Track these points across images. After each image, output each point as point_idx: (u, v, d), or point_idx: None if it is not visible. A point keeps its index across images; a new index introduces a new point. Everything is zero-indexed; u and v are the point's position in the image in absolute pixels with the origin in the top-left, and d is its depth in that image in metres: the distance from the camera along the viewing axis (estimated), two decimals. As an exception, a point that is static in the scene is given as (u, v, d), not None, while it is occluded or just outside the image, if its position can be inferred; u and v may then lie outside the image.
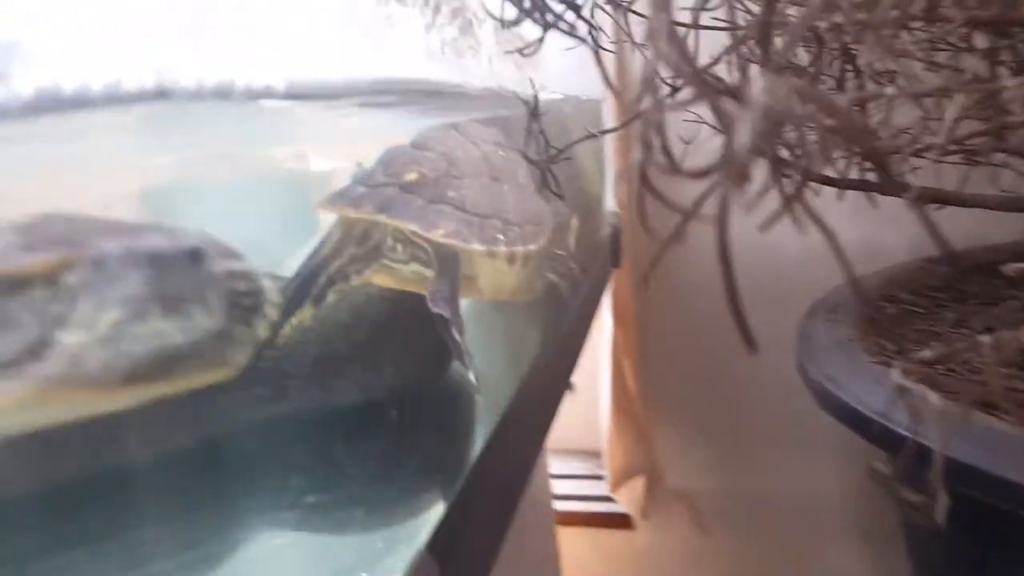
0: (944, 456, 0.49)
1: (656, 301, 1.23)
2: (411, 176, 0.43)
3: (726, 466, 1.27)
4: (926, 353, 0.47)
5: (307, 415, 0.40)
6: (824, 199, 1.07)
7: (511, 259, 0.48)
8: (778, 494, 1.21)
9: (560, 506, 1.37)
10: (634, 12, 0.52)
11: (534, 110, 0.48)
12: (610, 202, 1.14)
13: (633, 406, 1.24)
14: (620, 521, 1.34)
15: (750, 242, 0.97)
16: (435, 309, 0.40)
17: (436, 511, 0.29)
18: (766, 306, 1.14)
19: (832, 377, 0.60)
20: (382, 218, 0.41)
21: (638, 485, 1.28)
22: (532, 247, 0.50)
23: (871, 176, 0.67)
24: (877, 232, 1.05)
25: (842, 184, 0.66)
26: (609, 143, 1.11)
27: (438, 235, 0.42)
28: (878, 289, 0.82)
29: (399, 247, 0.44)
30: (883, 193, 0.65)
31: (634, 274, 1.22)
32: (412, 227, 0.41)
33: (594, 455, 1.44)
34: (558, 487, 1.41)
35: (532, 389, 0.44)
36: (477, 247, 0.44)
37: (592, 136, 0.53)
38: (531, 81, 0.49)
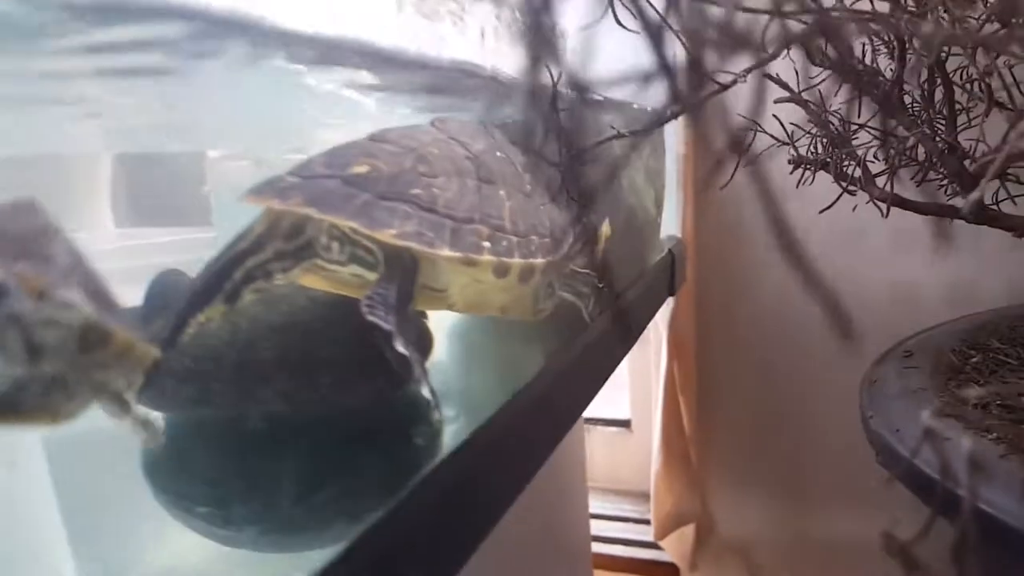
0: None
1: (718, 336, 1.14)
2: (359, 169, 0.37)
3: (783, 518, 1.16)
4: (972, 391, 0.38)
5: (224, 421, 0.35)
6: (917, 235, 0.99)
7: (500, 271, 0.42)
8: (837, 551, 1.09)
9: (602, 549, 1.29)
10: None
11: (552, 102, 0.42)
12: (672, 227, 1.07)
13: (686, 448, 1.15)
14: (667, 571, 1.24)
15: (833, 276, 0.88)
16: (370, 317, 0.33)
17: (339, 544, 0.23)
18: (839, 345, 1.05)
19: (895, 429, 0.52)
20: (311, 212, 0.35)
21: (687, 534, 1.18)
22: (533, 260, 0.44)
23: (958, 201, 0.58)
24: (974, 274, 0.94)
25: (923, 209, 0.57)
26: (672, 164, 1.04)
27: (387, 235, 0.35)
28: (966, 335, 0.71)
29: (335, 246, 0.38)
30: (971, 221, 0.56)
31: (698, 306, 1.14)
32: (351, 224, 0.35)
33: (646, 497, 1.35)
34: (603, 529, 1.32)
35: (519, 415, 0.38)
36: (446, 252, 0.37)
37: (621, 136, 0.46)
38: (548, 70, 0.44)
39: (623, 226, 0.69)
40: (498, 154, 0.44)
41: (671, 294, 0.92)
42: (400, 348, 0.32)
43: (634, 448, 1.38)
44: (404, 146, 0.39)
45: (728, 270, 1.11)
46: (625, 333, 0.66)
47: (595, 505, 1.39)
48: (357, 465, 0.32)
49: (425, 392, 0.33)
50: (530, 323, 0.55)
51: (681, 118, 1.00)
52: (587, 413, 1.46)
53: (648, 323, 0.80)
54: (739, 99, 0.66)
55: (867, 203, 0.59)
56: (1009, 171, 0.57)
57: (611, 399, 1.45)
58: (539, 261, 0.45)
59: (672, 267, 0.90)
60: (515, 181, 0.45)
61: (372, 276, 0.38)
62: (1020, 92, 0.52)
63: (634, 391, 1.39)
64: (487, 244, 0.40)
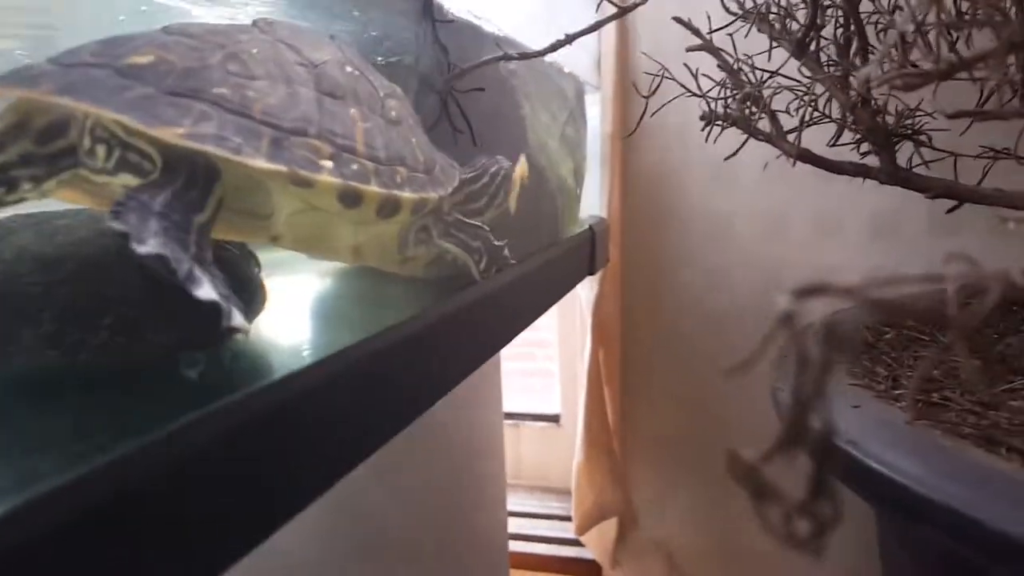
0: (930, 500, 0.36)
1: (644, 324, 1.11)
2: (139, 58, 0.30)
3: (709, 515, 1.13)
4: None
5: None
6: (843, 223, 0.98)
7: (349, 198, 0.36)
8: (762, 549, 1.07)
9: (525, 548, 1.24)
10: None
11: (426, 5, 0.38)
12: (597, 208, 1.03)
13: (609, 439, 1.12)
14: (588, 568, 1.20)
15: (757, 255, 0.85)
16: (117, 225, 0.25)
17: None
18: (762, 329, 1.02)
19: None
20: (64, 100, 0.27)
21: (609, 529, 1.15)
22: (398, 192, 0.39)
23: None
24: (895, 260, 0.93)
25: (836, 167, 0.54)
26: (596, 144, 1.01)
27: (170, 134, 0.28)
28: (882, 314, 0.69)
29: (101, 151, 0.31)
30: (884, 181, 0.53)
31: (623, 293, 1.10)
32: (119, 118, 0.28)
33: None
34: (529, 527, 1.28)
35: (339, 378, 0.32)
36: (261, 164, 0.31)
37: (509, 58, 0.42)
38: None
39: (531, 187, 0.65)
40: (348, 69, 0.39)
41: (591, 273, 0.88)
42: (181, 268, 0.25)
43: (563, 444, 1.34)
44: (210, 42, 0.33)
45: (655, 255, 1.08)
46: (535, 306, 0.62)
47: (523, 503, 1.34)
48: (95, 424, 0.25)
49: (202, 292, 0.26)
50: (404, 279, 0.50)
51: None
52: (515, 408, 1.42)
53: (557, 299, 0.76)
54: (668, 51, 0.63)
55: (782, 157, 0.56)
56: (922, 133, 0.55)
57: (541, 393, 1.41)
58: (407, 195, 0.40)
59: (592, 244, 0.86)
60: (373, 103, 0.40)
61: None
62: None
63: (564, 384, 1.35)
64: (327, 163, 0.35)
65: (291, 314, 0.49)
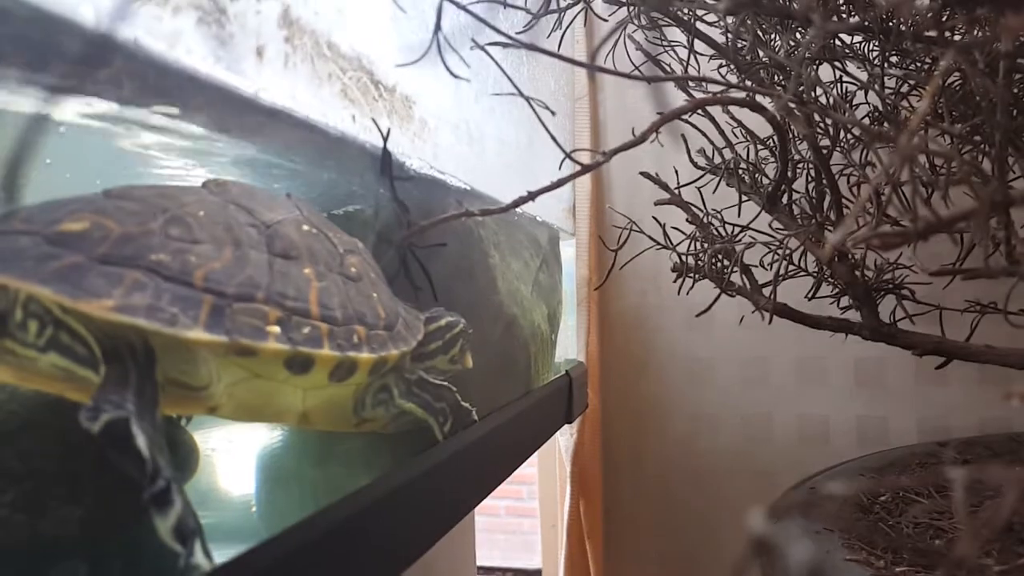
0: None
1: (625, 474, 1.06)
2: (72, 225, 0.28)
3: None
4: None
5: None
6: (827, 369, 0.95)
7: (298, 364, 0.34)
8: None
9: None
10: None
11: (384, 162, 0.36)
12: (573, 352, 1.01)
13: (592, 600, 1.03)
14: None
15: (740, 401, 0.81)
16: (89, 425, 0.25)
17: None
18: (750, 483, 0.97)
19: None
20: None
21: None
22: (354, 354, 0.36)
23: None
24: (882, 409, 0.90)
25: (816, 322, 0.52)
26: (571, 287, 1.00)
27: (98, 307, 0.26)
28: (874, 473, 0.65)
29: (32, 325, 0.28)
30: (867, 337, 0.51)
31: (604, 441, 1.06)
32: (40, 291, 0.26)
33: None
34: None
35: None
36: (198, 335, 0.28)
37: (470, 214, 0.40)
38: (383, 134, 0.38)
39: (503, 336, 0.62)
40: (305, 228, 0.37)
41: (568, 420, 0.84)
42: (151, 461, 0.24)
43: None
44: (153, 204, 0.31)
45: (635, 401, 1.04)
46: (507, 461, 0.58)
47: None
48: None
49: (168, 523, 0.24)
50: (365, 439, 0.47)
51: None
52: (494, 563, 1.33)
53: (534, 450, 0.72)
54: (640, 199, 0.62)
55: (765, 321, 0.54)
56: (905, 286, 0.53)
57: (522, 547, 1.33)
58: (364, 356, 0.37)
59: (570, 390, 0.83)
60: (331, 260, 0.37)
61: (82, 371, 0.29)
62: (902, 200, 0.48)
63: (545, 535, 1.27)
64: (275, 329, 0.32)
65: (232, 476, 0.45)
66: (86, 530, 0.30)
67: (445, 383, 0.45)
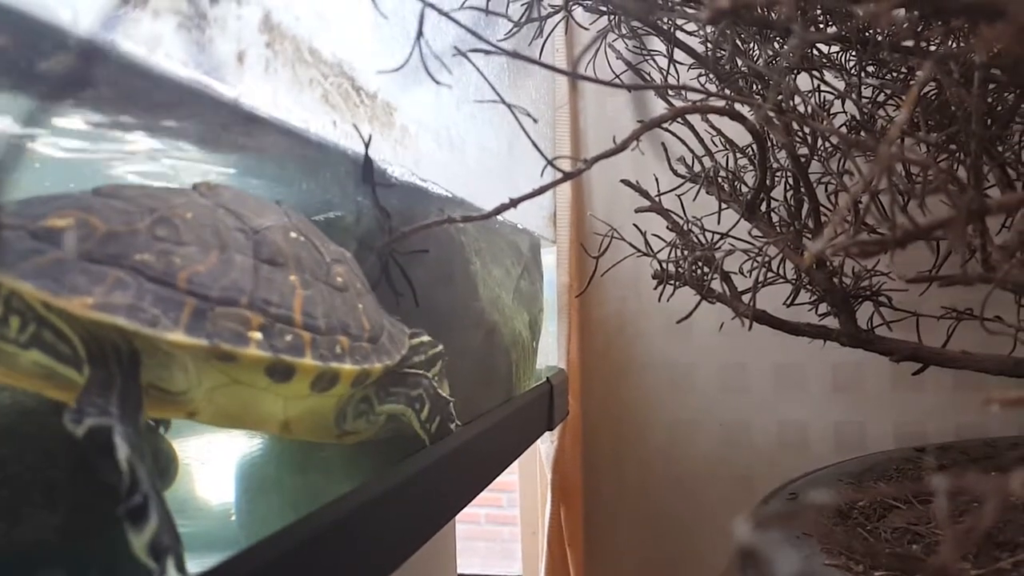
0: None
1: (606, 481, 1.06)
2: (58, 221, 0.28)
3: None
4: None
5: None
6: (805, 374, 0.96)
7: (279, 372, 0.34)
8: None
9: None
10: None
11: (366, 169, 0.36)
12: (555, 359, 1.01)
13: (573, 609, 1.03)
14: None
15: (719, 407, 0.81)
16: (72, 428, 0.25)
17: None
18: (730, 489, 0.98)
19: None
20: None
21: None
22: (336, 365, 0.36)
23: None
24: (860, 415, 0.90)
25: (794, 328, 0.53)
26: (552, 294, 1.00)
27: (77, 305, 0.26)
28: (853, 478, 0.66)
29: (15, 321, 0.28)
30: (845, 343, 0.51)
31: (584, 448, 1.06)
32: (20, 286, 0.26)
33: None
34: None
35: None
36: (178, 337, 0.28)
37: (451, 221, 0.40)
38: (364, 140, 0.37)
39: (484, 343, 0.62)
40: (293, 235, 0.36)
41: (549, 428, 0.84)
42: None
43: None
44: (141, 204, 0.31)
45: (616, 407, 1.04)
46: (490, 466, 0.57)
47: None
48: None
49: (142, 539, 0.24)
50: (345, 447, 0.46)
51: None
52: (474, 570, 1.32)
53: (515, 457, 0.72)
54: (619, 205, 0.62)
55: (746, 328, 0.54)
56: (882, 293, 0.54)
57: (502, 554, 1.32)
58: (347, 367, 0.37)
59: (551, 398, 0.83)
60: (317, 269, 0.37)
61: (63, 369, 0.29)
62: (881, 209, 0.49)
63: (526, 542, 1.27)
64: (257, 336, 0.32)
65: (210, 484, 0.44)
66: (62, 537, 0.29)
67: (419, 371, 0.44)
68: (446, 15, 0.35)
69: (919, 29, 0.34)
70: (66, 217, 0.28)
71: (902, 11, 0.31)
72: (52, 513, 0.29)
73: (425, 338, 0.46)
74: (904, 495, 0.59)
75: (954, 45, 0.39)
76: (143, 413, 0.28)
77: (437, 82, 0.34)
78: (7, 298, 0.28)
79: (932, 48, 0.41)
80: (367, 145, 0.38)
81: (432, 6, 0.33)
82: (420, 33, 0.32)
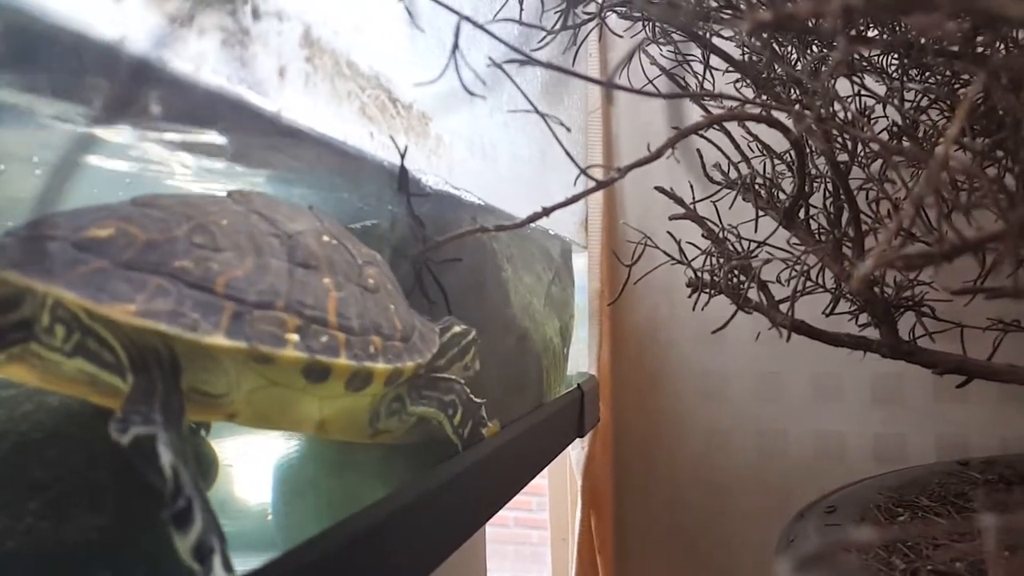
0: None
1: (638, 489, 1.05)
2: (98, 231, 0.28)
3: None
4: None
5: None
6: (843, 384, 0.94)
7: (315, 373, 0.34)
8: None
9: None
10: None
11: (401, 179, 0.36)
12: (585, 365, 1.00)
13: (604, 617, 1.02)
14: None
15: (754, 417, 0.80)
16: (118, 437, 0.26)
17: None
18: (765, 500, 0.96)
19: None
20: (8, 275, 0.26)
21: None
22: (370, 364, 0.36)
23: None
24: (900, 427, 0.89)
25: (833, 339, 0.52)
26: (584, 300, 1.00)
27: (121, 312, 0.27)
28: (893, 492, 0.64)
29: (60, 330, 0.29)
30: (886, 355, 0.50)
31: (616, 455, 1.05)
32: (65, 294, 0.26)
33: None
34: None
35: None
36: (220, 341, 0.29)
37: (484, 230, 0.40)
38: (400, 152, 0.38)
39: (515, 349, 0.62)
40: (325, 239, 0.37)
41: (580, 434, 0.83)
42: (174, 471, 0.25)
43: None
44: (178, 213, 0.31)
45: (648, 415, 1.03)
46: (523, 471, 0.57)
47: None
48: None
49: (188, 542, 0.24)
50: (380, 450, 0.47)
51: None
52: (503, 575, 1.32)
53: (545, 464, 0.71)
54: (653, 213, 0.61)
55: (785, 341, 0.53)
56: (925, 303, 0.52)
57: (532, 558, 1.32)
58: (380, 366, 0.37)
59: (582, 404, 0.82)
60: (350, 271, 0.38)
61: (107, 376, 0.29)
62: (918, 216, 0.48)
63: (556, 550, 1.26)
64: (294, 337, 0.32)
65: (249, 486, 0.45)
66: (107, 537, 0.30)
67: (451, 376, 0.45)
68: (481, 27, 0.35)
69: (969, 37, 0.33)
70: (107, 227, 0.28)
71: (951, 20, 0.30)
72: (98, 514, 0.30)
73: (456, 328, 0.46)
74: (947, 511, 0.58)
75: (1003, 50, 0.38)
76: (185, 418, 0.29)
77: (472, 94, 0.34)
78: (52, 308, 0.29)
79: (980, 52, 0.40)
80: (403, 156, 0.38)
81: (468, 19, 0.33)
82: (456, 46, 0.32)
